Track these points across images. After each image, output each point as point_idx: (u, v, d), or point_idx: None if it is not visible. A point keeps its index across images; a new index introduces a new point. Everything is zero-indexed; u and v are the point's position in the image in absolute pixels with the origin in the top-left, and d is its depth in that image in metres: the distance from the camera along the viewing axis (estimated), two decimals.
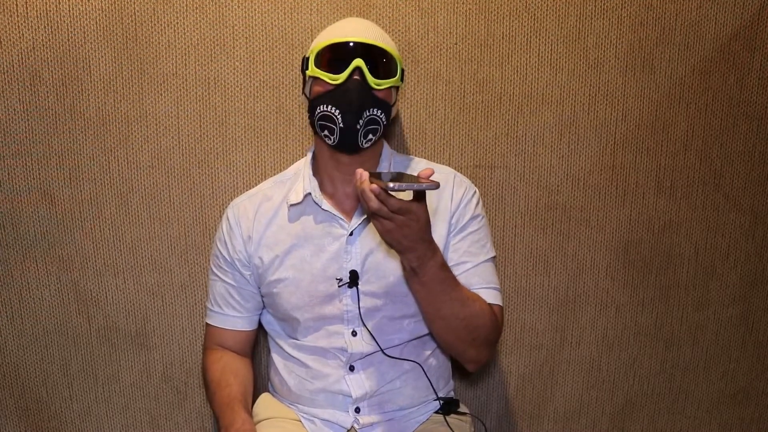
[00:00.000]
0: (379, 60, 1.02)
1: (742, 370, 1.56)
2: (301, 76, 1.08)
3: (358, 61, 0.99)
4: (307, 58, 1.05)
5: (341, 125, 1.01)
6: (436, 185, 0.80)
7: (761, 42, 1.39)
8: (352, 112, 1.00)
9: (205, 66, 1.30)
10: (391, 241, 0.91)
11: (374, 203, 0.84)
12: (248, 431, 1.01)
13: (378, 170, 1.10)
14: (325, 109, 1.01)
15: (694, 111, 1.42)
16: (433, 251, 0.95)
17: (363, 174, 0.86)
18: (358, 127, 1.01)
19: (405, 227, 0.87)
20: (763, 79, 1.41)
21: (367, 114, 1.01)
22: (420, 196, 0.88)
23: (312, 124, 1.06)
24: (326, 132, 1.03)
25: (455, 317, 1.01)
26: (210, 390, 1.13)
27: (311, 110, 1.05)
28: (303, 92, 1.10)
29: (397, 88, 1.09)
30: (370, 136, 1.04)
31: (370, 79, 1.01)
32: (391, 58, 1.04)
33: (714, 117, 1.42)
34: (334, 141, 1.03)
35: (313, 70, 1.03)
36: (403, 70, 1.06)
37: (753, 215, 1.48)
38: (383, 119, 1.04)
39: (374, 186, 0.83)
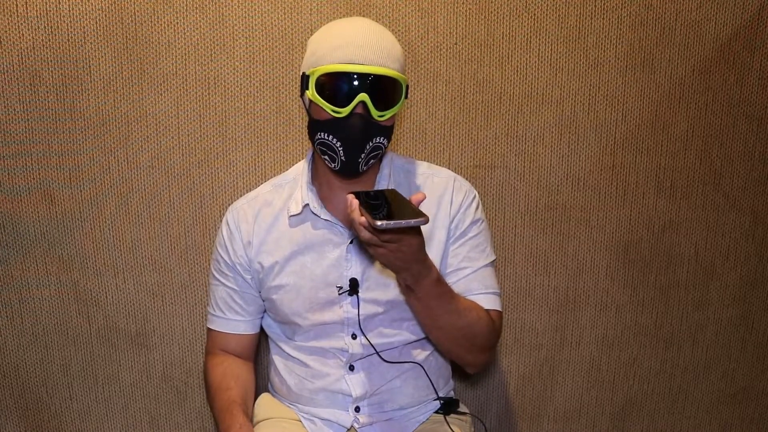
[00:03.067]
0: (385, 89, 0.97)
1: (742, 370, 1.56)
2: (300, 82, 1.04)
3: (363, 96, 0.94)
4: (307, 76, 0.98)
5: (343, 158, 0.98)
6: (425, 220, 0.80)
7: (761, 42, 1.39)
8: (356, 146, 0.97)
9: (205, 66, 1.30)
10: (384, 263, 0.91)
11: (365, 234, 0.84)
12: None
13: (377, 180, 1.09)
14: (326, 138, 0.98)
15: (694, 111, 1.42)
16: (428, 269, 0.94)
17: (353, 202, 0.85)
18: (361, 159, 0.99)
19: (398, 252, 0.87)
20: (763, 79, 1.41)
21: (370, 145, 0.99)
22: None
23: (311, 141, 1.03)
24: (327, 157, 1.01)
25: (453, 327, 1.02)
26: (210, 394, 1.13)
27: (311, 131, 1.02)
28: (301, 97, 1.06)
29: None
30: (372, 161, 1.02)
31: (375, 113, 0.96)
32: (397, 83, 0.98)
33: (714, 117, 1.42)
34: (335, 168, 1.01)
35: (313, 96, 0.97)
36: (407, 87, 1.01)
37: (753, 215, 1.48)
38: (385, 143, 1.02)
39: (363, 219, 0.83)
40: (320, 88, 0.96)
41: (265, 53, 1.31)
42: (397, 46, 1.00)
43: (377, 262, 1.06)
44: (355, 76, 0.94)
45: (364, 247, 1.06)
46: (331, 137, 0.98)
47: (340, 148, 0.98)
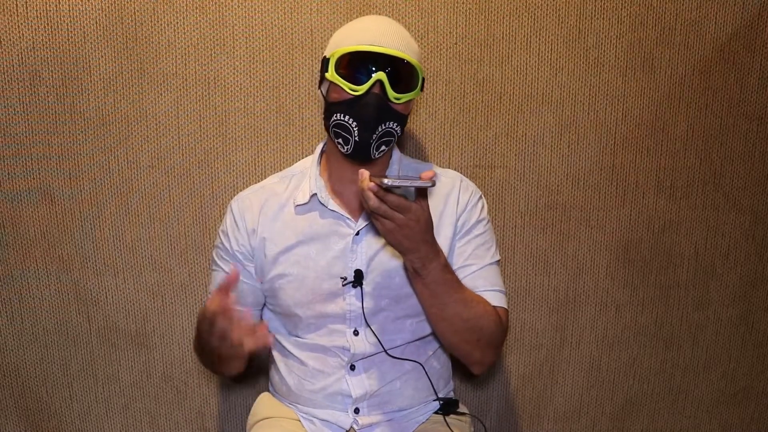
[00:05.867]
0: (402, 73, 1.00)
1: (742, 370, 1.56)
2: (319, 73, 1.06)
3: (380, 75, 0.97)
4: (327, 59, 1.02)
5: (356, 138, 1.00)
6: (432, 183, 0.82)
7: (761, 42, 1.39)
8: (369, 125, 0.99)
9: (205, 66, 1.30)
10: (392, 241, 0.92)
11: (373, 201, 0.86)
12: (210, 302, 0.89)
13: (387, 174, 1.10)
14: (341, 118, 1.00)
15: (694, 111, 1.42)
16: (436, 253, 0.95)
17: (364, 173, 0.87)
18: (372, 140, 1.00)
19: (405, 227, 0.89)
20: (763, 79, 1.41)
21: (383, 128, 1.01)
22: (420, 196, 0.89)
23: (326, 126, 1.05)
24: (340, 140, 1.02)
25: (459, 318, 1.02)
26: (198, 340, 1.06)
27: (327, 114, 1.04)
28: (319, 88, 1.09)
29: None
30: (383, 147, 1.04)
31: (391, 93, 0.99)
32: (414, 70, 1.01)
33: (714, 117, 1.42)
34: (347, 151, 1.02)
35: (332, 75, 1.00)
36: (423, 79, 1.04)
37: (753, 215, 1.48)
38: (398, 131, 1.04)
39: (372, 184, 0.84)
40: (339, 67, 1.00)
41: (265, 53, 1.31)
42: (415, 42, 1.05)
43: (383, 255, 1.06)
44: (375, 56, 0.98)
45: (369, 240, 1.07)
46: (346, 117, 1.00)
47: (354, 128, 1.00)
